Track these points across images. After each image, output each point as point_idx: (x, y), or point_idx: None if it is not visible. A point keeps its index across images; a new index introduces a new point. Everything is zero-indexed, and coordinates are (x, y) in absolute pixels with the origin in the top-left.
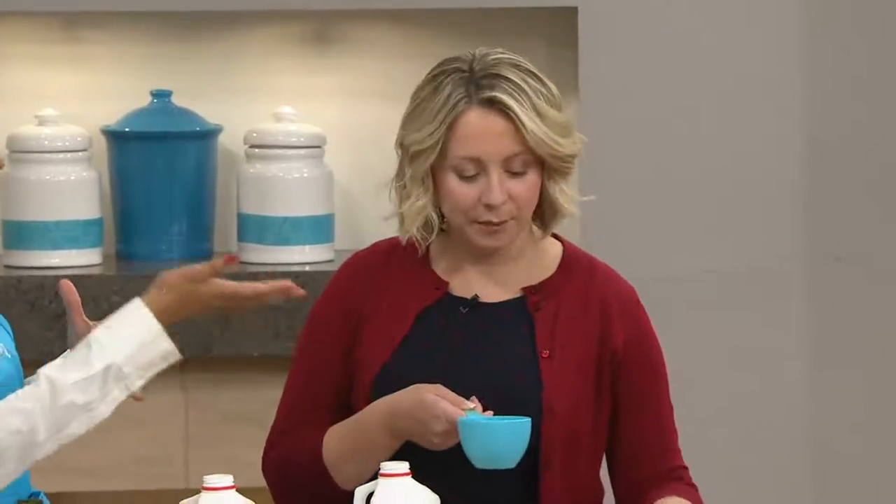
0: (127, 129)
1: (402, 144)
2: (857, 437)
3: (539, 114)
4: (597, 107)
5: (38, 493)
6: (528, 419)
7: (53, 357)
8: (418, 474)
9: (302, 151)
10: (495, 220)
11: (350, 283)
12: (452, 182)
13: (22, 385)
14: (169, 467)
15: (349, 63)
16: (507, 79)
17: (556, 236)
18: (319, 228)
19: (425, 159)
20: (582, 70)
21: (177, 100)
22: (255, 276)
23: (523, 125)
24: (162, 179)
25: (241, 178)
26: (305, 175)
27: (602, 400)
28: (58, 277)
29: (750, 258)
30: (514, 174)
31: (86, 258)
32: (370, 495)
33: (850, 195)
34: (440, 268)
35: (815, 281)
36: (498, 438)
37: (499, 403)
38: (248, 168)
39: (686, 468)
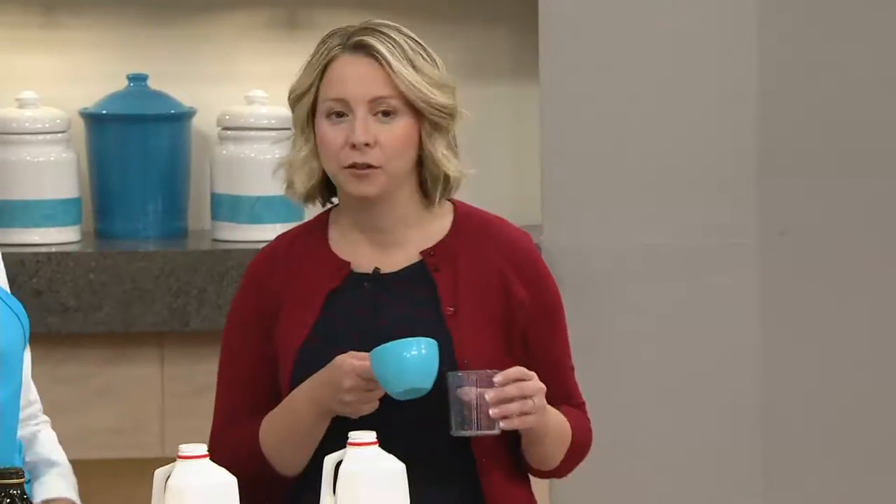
0: (104, 112)
1: (288, 99)
2: (806, 409)
3: (412, 63)
4: (556, 89)
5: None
6: (434, 340)
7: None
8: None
9: (273, 133)
10: (360, 160)
11: (258, 281)
12: (323, 126)
13: (11, 373)
14: (145, 437)
15: None
16: (382, 32)
17: (448, 199)
18: (290, 207)
19: (303, 105)
20: (542, 54)
21: (152, 84)
22: (228, 254)
23: (391, 66)
24: (138, 160)
25: (215, 159)
26: (277, 156)
27: (512, 352)
28: (37, 255)
29: (703, 232)
30: (382, 120)
31: (65, 236)
32: (338, 464)
33: (799, 172)
34: (339, 247)
35: (763, 255)
36: (405, 357)
37: None
38: (221, 149)
39: (584, 403)
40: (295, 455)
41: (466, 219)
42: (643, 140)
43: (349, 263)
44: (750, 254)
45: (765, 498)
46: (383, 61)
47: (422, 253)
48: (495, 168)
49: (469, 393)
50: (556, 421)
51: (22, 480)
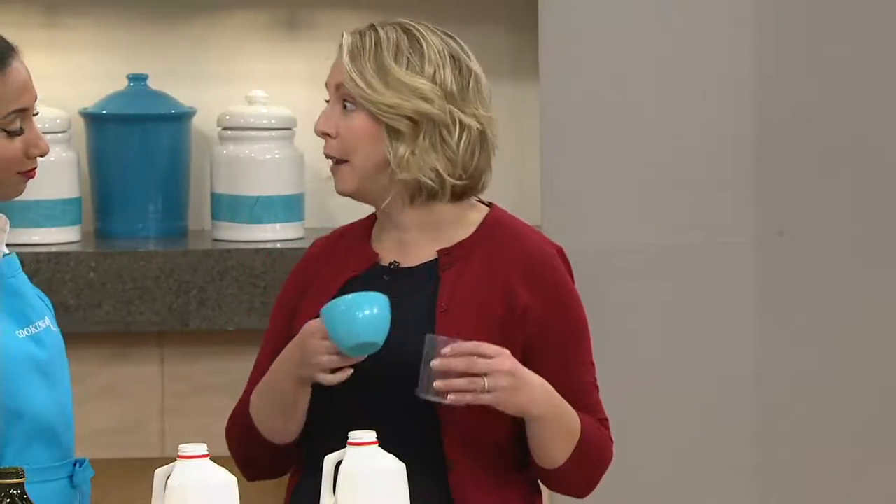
0: (105, 112)
1: None
2: (801, 409)
3: (378, 61)
4: (556, 89)
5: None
6: (384, 295)
7: None
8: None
9: (273, 133)
10: (325, 150)
11: (306, 263)
12: None
13: (66, 361)
14: (145, 437)
15: (317, 48)
16: (374, 29)
17: (488, 203)
18: (290, 207)
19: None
20: (542, 54)
21: (153, 84)
22: (228, 254)
23: (341, 59)
24: (138, 160)
25: (215, 158)
26: (276, 156)
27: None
28: (37, 254)
29: (702, 232)
30: (344, 112)
31: (65, 236)
32: (338, 464)
33: (797, 172)
34: (377, 242)
35: (761, 254)
36: (348, 307)
37: (399, 359)
38: (221, 149)
39: (607, 420)
40: (282, 425)
41: (494, 224)
42: (642, 140)
43: (377, 255)
44: (748, 253)
45: (760, 499)
46: (343, 52)
47: (439, 251)
48: (495, 168)
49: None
50: (559, 412)
51: (22, 480)
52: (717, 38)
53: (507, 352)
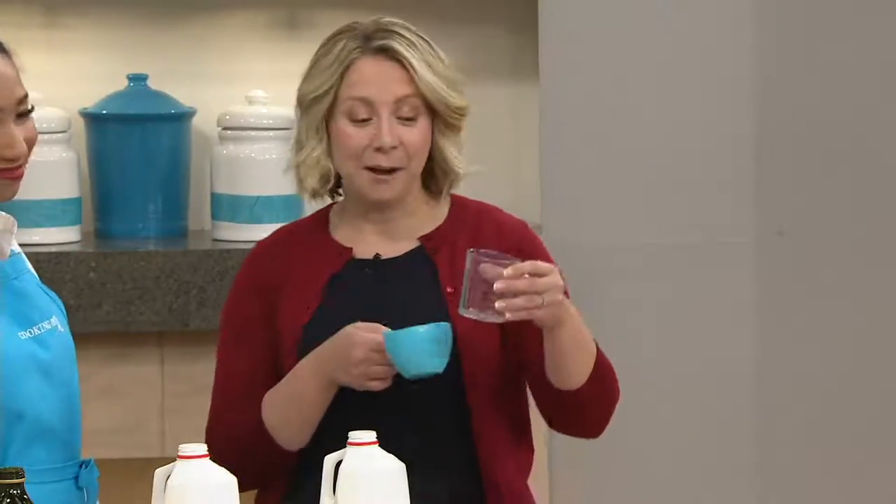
0: (105, 112)
1: (298, 99)
2: (801, 409)
3: (429, 64)
4: (556, 89)
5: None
6: (447, 323)
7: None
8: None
9: (273, 133)
10: (385, 164)
11: (256, 268)
12: (343, 125)
13: (75, 362)
14: (145, 437)
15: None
16: (399, 34)
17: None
18: (290, 207)
19: (320, 107)
20: (542, 54)
21: (153, 84)
22: (228, 254)
23: (414, 69)
24: (138, 160)
25: (215, 158)
26: (276, 156)
27: (511, 326)
28: (37, 254)
29: (701, 231)
30: (405, 121)
31: (65, 236)
32: (338, 463)
33: (797, 172)
34: (340, 235)
35: (761, 254)
36: (420, 340)
37: None
38: (221, 149)
39: None
40: (299, 427)
41: (463, 207)
42: (642, 139)
43: (351, 249)
44: (747, 253)
45: (760, 499)
46: (407, 64)
47: (420, 238)
48: (495, 167)
49: (486, 272)
50: (582, 328)
51: (22, 480)
52: (717, 38)
53: (555, 267)
